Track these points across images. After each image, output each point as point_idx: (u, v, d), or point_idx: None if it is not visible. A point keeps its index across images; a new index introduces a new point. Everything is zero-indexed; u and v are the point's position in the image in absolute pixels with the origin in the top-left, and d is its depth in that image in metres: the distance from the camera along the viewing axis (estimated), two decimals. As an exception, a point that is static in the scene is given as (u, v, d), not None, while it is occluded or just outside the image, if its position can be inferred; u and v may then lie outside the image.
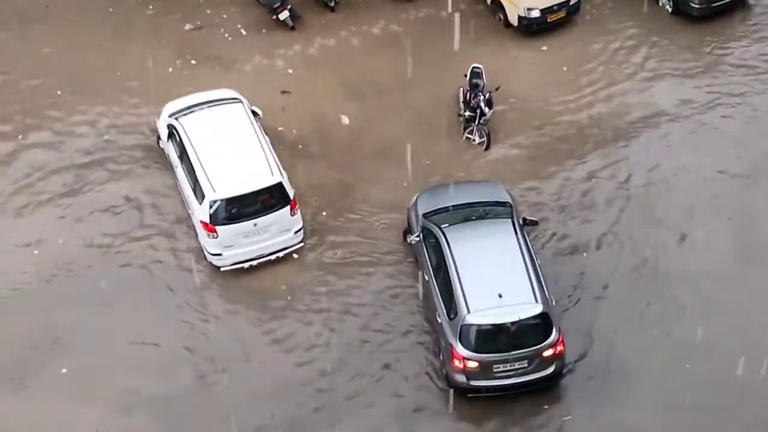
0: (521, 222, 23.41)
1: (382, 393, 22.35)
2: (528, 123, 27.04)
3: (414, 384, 22.49)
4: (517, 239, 22.59)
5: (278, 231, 24.02)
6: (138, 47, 28.63)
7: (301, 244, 24.51)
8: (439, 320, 22.27)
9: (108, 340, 22.93)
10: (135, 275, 24.08)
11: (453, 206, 23.71)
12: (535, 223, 24.12)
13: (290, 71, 28.29)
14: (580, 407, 22.18)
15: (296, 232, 24.31)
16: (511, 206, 23.61)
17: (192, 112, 25.10)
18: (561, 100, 27.53)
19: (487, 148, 26.32)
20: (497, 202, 23.81)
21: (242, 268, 24.09)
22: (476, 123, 26.22)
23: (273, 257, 24.22)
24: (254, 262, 24.13)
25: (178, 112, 25.20)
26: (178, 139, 24.72)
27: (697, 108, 27.35)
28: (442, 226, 23.05)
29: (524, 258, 22.24)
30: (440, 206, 23.76)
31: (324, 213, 25.25)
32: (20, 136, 26.63)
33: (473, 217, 23.41)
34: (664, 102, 27.48)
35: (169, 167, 25.51)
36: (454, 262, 22.22)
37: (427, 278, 23.07)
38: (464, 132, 26.52)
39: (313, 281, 24.12)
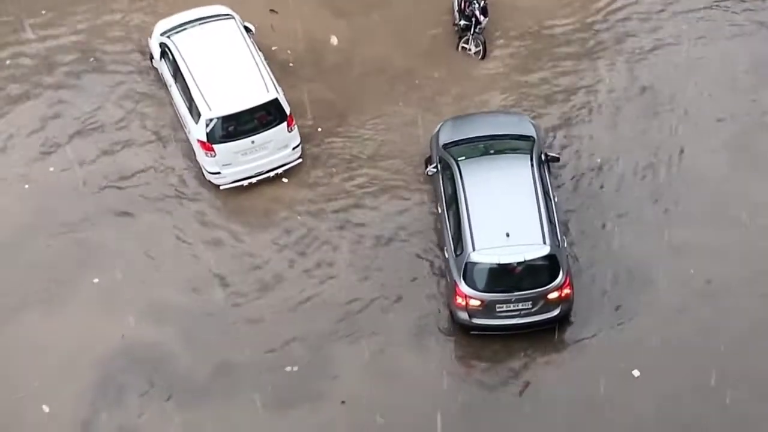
0: (543, 158, 22.67)
1: (396, 308, 22.34)
2: (523, 29, 26.68)
3: (427, 301, 22.43)
4: (533, 177, 21.90)
5: (276, 147, 23.78)
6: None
7: (300, 160, 24.30)
8: (447, 255, 21.90)
9: (133, 256, 23.05)
10: (139, 195, 24.04)
11: (473, 138, 22.94)
12: (556, 160, 23.23)
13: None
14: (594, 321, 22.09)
15: (294, 149, 24.07)
16: (534, 141, 22.81)
17: (184, 29, 24.65)
18: (554, 5, 27.12)
19: (483, 57, 26.00)
20: (520, 135, 23.01)
21: (242, 185, 23.92)
22: (472, 32, 25.86)
23: (272, 174, 24.03)
24: (254, 180, 23.94)
25: (170, 30, 24.77)
26: (171, 57, 24.33)
27: (696, 11, 27.04)
28: (459, 158, 22.43)
29: (537, 197, 21.56)
30: (461, 137, 23.03)
31: (319, 129, 25.01)
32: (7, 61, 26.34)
33: (491, 151, 22.69)
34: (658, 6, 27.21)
35: (163, 85, 25.19)
36: (465, 198, 21.68)
37: (440, 211, 22.67)
38: (460, 42, 26.17)
39: (315, 198, 23.98)
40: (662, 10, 27.02)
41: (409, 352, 21.76)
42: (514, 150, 22.72)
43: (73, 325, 22.10)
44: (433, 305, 22.32)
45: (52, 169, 24.47)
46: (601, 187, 23.85)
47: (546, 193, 21.93)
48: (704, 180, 23.89)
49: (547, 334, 21.76)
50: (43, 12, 27.15)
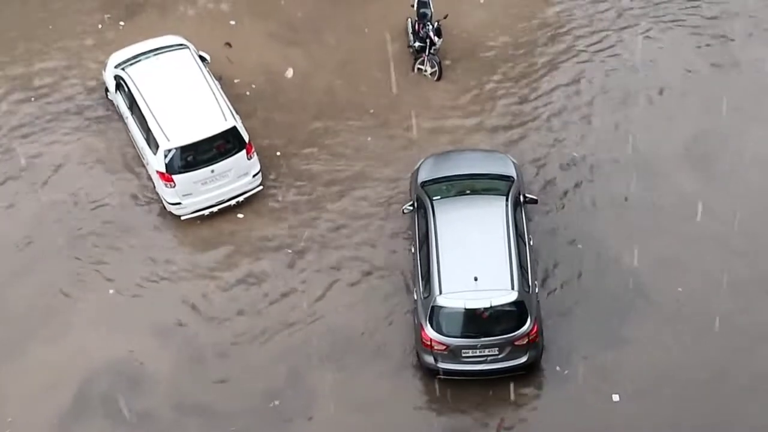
0: (521, 200, 22.22)
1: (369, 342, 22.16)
2: (477, 49, 26.77)
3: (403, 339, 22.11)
4: (507, 219, 21.35)
5: (236, 176, 23.66)
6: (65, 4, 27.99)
7: (260, 188, 24.18)
8: (415, 297, 21.45)
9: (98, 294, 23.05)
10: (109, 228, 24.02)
11: (451, 177, 22.54)
12: (534, 202, 22.77)
13: (232, 22, 27.74)
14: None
15: (254, 176, 23.97)
16: (512, 181, 22.33)
17: (138, 61, 24.54)
18: (505, 24, 27.32)
19: (438, 78, 26.06)
20: (500, 175, 22.49)
21: (203, 215, 23.75)
22: (427, 53, 25.93)
23: (233, 202, 23.88)
24: (215, 209, 23.77)
25: (124, 62, 24.63)
26: (126, 89, 24.18)
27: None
28: (434, 198, 21.99)
29: (509, 240, 20.97)
30: (439, 176, 22.61)
31: (278, 153, 24.94)
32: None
33: (468, 192, 22.29)
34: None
35: (119, 119, 25.01)
36: (436, 239, 21.15)
37: (413, 251, 22.22)
38: (415, 63, 26.22)
39: (278, 228, 23.86)
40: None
41: (384, 386, 21.50)
42: (492, 190, 22.18)
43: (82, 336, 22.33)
44: (408, 344, 21.96)
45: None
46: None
47: (520, 236, 21.47)
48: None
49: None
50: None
